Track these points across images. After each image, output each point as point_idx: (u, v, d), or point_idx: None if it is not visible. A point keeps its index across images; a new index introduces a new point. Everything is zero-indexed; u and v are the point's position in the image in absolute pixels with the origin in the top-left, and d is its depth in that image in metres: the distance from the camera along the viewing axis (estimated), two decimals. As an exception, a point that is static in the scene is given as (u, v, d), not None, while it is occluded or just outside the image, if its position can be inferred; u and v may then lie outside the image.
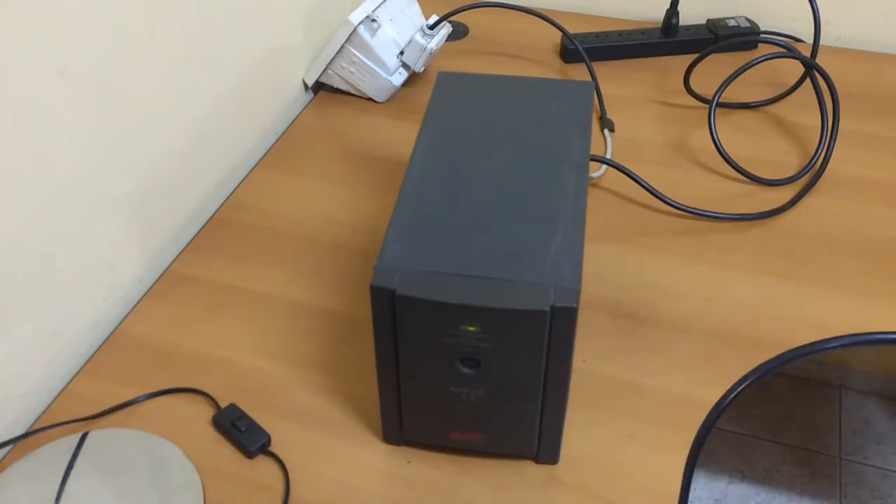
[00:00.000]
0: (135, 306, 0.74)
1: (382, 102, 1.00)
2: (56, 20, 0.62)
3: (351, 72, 0.98)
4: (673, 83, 1.03)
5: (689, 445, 0.60)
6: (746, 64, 0.89)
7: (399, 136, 0.95)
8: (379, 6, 0.95)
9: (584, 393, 0.67)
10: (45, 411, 0.66)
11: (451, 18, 1.04)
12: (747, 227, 0.82)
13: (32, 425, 0.65)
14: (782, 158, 0.90)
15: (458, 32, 1.13)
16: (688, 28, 1.10)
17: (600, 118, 0.96)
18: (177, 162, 0.80)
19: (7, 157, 0.60)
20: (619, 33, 1.09)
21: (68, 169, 0.66)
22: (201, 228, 0.83)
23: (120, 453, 0.60)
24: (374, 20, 0.94)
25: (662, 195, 0.82)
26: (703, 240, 0.80)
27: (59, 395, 0.67)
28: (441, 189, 0.60)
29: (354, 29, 0.93)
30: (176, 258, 0.79)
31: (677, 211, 0.83)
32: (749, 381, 0.63)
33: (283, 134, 0.96)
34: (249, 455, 0.62)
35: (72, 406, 0.66)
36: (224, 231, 0.82)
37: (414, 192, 0.59)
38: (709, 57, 0.95)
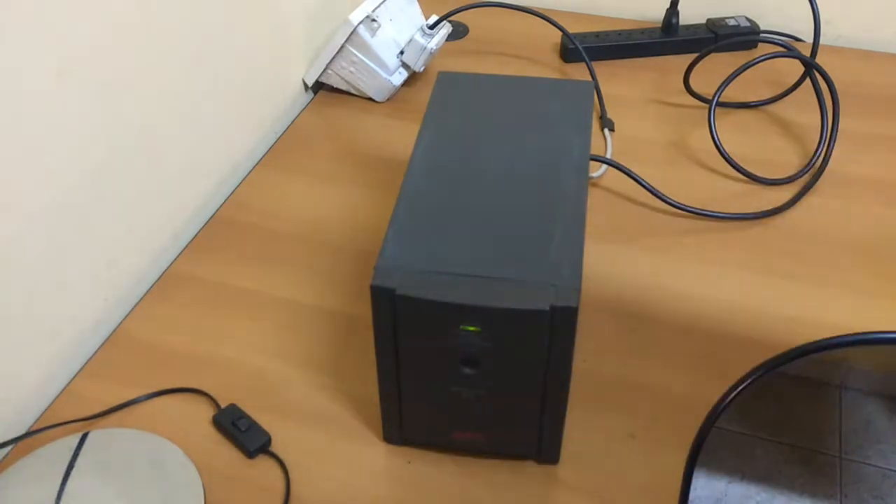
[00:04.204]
0: (135, 306, 0.74)
1: (382, 102, 1.00)
2: (56, 20, 0.62)
3: (351, 71, 0.98)
4: (673, 83, 1.03)
5: (690, 445, 0.60)
6: (746, 63, 0.89)
7: (399, 136, 0.95)
8: (379, 6, 0.95)
9: (585, 392, 0.67)
10: (45, 411, 0.66)
11: (451, 18, 1.04)
12: (747, 226, 0.82)
13: (32, 425, 0.65)
14: (782, 158, 0.90)
15: (458, 32, 1.13)
16: (688, 27, 1.10)
17: (600, 118, 0.96)
18: (177, 161, 0.80)
19: (7, 156, 0.60)
20: (619, 33, 1.09)
21: (68, 169, 0.66)
22: (201, 228, 0.83)
23: (120, 453, 0.60)
24: (373, 20, 0.94)
25: (662, 195, 0.82)
26: (703, 239, 0.80)
27: (59, 395, 0.67)
28: (441, 189, 0.60)
29: (354, 29, 0.93)
30: (176, 258, 0.79)
31: (677, 210, 0.83)
32: (749, 381, 0.63)
33: (283, 134, 0.96)
34: (250, 455, 0.62)
35: (72, 406, 0.66)
36: (224, 231, 0.82)
37: (414, 192, 0.59)
38: (709, 56, 0.95)
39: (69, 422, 0.64)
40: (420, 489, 0.60)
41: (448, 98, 0.69)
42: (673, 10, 1.07)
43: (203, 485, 0.59)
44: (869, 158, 0.90)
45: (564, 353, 0.53)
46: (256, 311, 0.74)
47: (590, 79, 1.02)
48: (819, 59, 0.93)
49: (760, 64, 0.89)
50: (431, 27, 1.00)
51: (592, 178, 0.87)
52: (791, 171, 0.88)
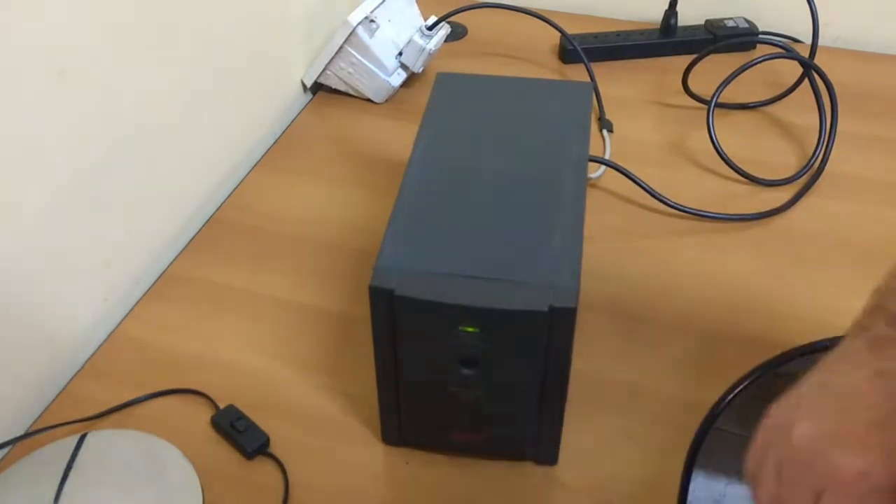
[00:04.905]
0: (134, 306, 0.74)
1: (381, 103, 1.00)
2: (56, 20, 0.62)
3: (349, 72, 0.98)
4: (671, 84, 1.03)
5: (688, 446, 0.60)
6: (745, 64, 0.89)
7: (398, 137, 0.95)
8: (378, 7, 0.95)
9: (583, 393, 0.67)
10: (43, 412, 0.66)
11: (449, 19, 1.04)
12: (746, 227, 0.82)
13: (31, 426, 0.65)
14: (781, 159, 0.90)
15: (457, 33, 1.13)
16: (686, 28, 1.10)
17: (599, 119, 0.96)
18: (176, 162, 0.80)
19: (7, 156, 0.60)
20: (618, 34, 1.09)
21: (68, 169, 0.66)
22: (201, 228, 0.83)
23: (119, 454, 0.60)
24: (372, 21, 0.94)
25: (661, 196, 0.82)
26: (702, 240, 0.80)
27: (58, 395, 0.67)
28: (440, 189, 0.60)
29: (353, 30, 0.93)
30: (175, 258, 0.79)
31: (676, 211, 0.83)
32: (748, 381, 0.63)
33: (281, 135, 0.96)
34: (248, 456, 0.62)
35: (71, 407, 0.66)
36: (223, 231, 0.82)
37: (413, 193, 0.59)
38: (707, 57, 0.95)
39: (68, 422, 0.64)
40: (418, 490, 0.60)
41: (447, 99, 0.69)
42: (671, 11, 1.07)
43: (201, 486, 0.59)
44: (867, 159, 0.90)
45: (563, 354, 0.53)
46: (255, 311, 0.74)
47: (588, 80, 1.02)
48: (817, 60, 0.93)
49: (759, 65, 0.89)
50: (430, 28, 1.00)
51: (591, 179, 0.87)
52: (790, 172, 0.88)
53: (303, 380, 0.68)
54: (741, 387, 0.63)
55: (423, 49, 0.98)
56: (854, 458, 0.38)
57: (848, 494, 0.38)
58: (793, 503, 0.40)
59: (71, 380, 0.68)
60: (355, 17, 0.93)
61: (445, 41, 1.10)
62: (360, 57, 0.96)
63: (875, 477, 0.38)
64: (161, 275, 0.78)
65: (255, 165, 0.91)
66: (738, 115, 0.97)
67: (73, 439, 0.61)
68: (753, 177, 0.86)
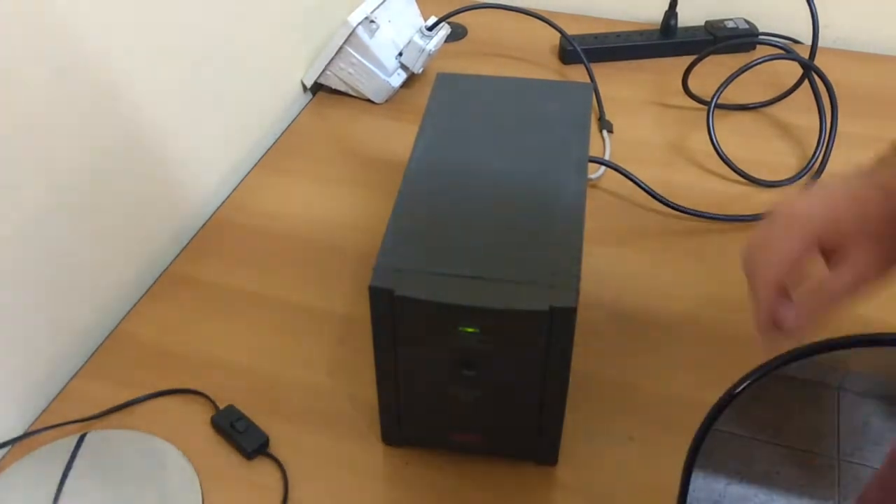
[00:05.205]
0: (134, 306, 0.74)
1: (381, 103, 1.00)
2: (55, 21, 0.62)
3: (349, 73, 0.98)
4: (671, 84, 1.03)
5: (688, 447, 0.60)
6: (745, 65, 0.89)
7: (398, 137, 0.95)
8: (378, 7, 0.95)
9: (583, 394, 0.67)
10: (43, 412, 0.66)
11: (449, 20, 1.04)
12: (746, 228, 0.82)
13: (31, 426, 0.65)
14: (781, 160, 0.90)
15: (457, 34, 1.13)
16: (686, 29, 1.10)
17: (599, 119, 0.96)
18: (176, 162, 0.80)
19: (6, 156, 0.60)
20: (618, 35, 1.09)
21: (68, 169, 0.66)
22: (200, 229, 0.83)
23: (118, 454, 0.60)
24: (372, 21, 0.94)
25: (661, 196, 0.82)
26: (702, 241, 0.80)
27: (57, 395, 0.67)
28: (440, 190, 0.60)
29: (353, 30, 0.93)
30: (175, 258, 0.79)
31: (676, 212, 0.83)
32: (748, 382, 0.63)
33: (281, 135, 0.96)
34: (248, 456, 0.62)
35: (70, 407, 0.66)
36: (223, 231, 0.82)
37: (413, 193, 0.59)
38: (707, 58, 0.96)
39: (68, 422, 0.64)
40: (418, 490, 0.60)
41: (447, 99, 0.69)
42: (671, 11, 1.07)
43: (201, 486, 0.59)
44: (867, 160, 0.90)
45: (563, 354, 0.53)
46: (255, 311, 0.74)
47: (588, 80, 1.02)
48: (817, 61, 0.93)
49: (759, 66, 0.89)
50: (430, 28, 1.00)
51: (591, 179, 0.87)
52: (790, 173, 0.88)
53: (303, 380, 0.68)
54: (741, 387, 0.63)
55: (423, 49, 0.98)
56: (807, 202, 0.46)
57: (788, 225, 0.46)
58: (761, 255, 0.49)
59: (70, 380, 0.68)
60: (355, 17, 0.93)
61: (445, 41, 1.10)
62: (360, 57, 0.96)
63: (815, 221, 0.45)
64: (161, 275, 0.78)
65: (254, 166, 0.91)
66: (738, 116, 0.97)
67: (73, 439, 0.61)
68: (753, 178, 0.86)
